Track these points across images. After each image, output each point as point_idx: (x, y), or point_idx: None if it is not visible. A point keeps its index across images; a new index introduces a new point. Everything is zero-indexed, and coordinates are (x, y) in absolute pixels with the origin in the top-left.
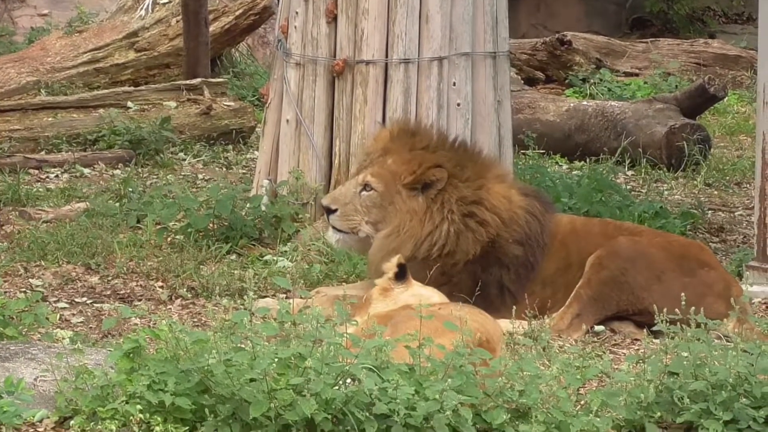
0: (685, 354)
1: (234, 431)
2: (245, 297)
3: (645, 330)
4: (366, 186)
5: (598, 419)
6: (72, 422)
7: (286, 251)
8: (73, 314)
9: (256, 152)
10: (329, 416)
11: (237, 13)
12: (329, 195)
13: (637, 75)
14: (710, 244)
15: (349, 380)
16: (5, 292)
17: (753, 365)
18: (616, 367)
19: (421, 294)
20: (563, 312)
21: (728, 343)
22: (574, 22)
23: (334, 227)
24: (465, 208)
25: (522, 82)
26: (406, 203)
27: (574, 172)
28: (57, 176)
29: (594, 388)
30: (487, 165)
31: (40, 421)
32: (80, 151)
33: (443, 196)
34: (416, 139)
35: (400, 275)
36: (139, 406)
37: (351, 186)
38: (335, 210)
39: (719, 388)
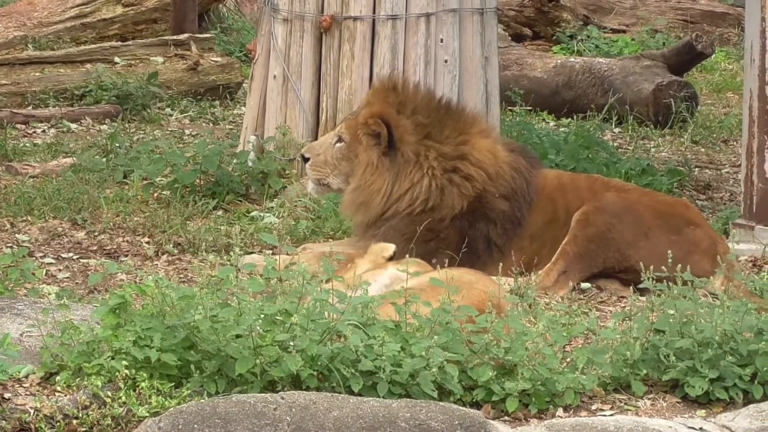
0: (672, 312)
1: (219, 387)
2: (231, 253)
3: (631, 287)
4: (339, 138)
5: (584, 376)
6: (57, 378)
7: (272, 207)
8: (60, 270)
9: (243, 108)
10: (315, 373)
11: None
12: (309, 144)
13: (624, 32)
14: (697, 201)
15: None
16: None
17: (739, 323)
18: (602, 324)
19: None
20: (549, 269)
21: (715, 301)
22: None
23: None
24: (447, 164)
25: (509, 38)
26: (367, 155)
27: (561, 129)
28: (44, 131)
29: (580, 346)
30: (470, 121)
31: (26, 377)
32: (67, 106)
33: (420, 152)
34: (394, 94)
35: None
36: (124, 362)
37: (328, 137)
38: (308, 159)
39: (705, 346)
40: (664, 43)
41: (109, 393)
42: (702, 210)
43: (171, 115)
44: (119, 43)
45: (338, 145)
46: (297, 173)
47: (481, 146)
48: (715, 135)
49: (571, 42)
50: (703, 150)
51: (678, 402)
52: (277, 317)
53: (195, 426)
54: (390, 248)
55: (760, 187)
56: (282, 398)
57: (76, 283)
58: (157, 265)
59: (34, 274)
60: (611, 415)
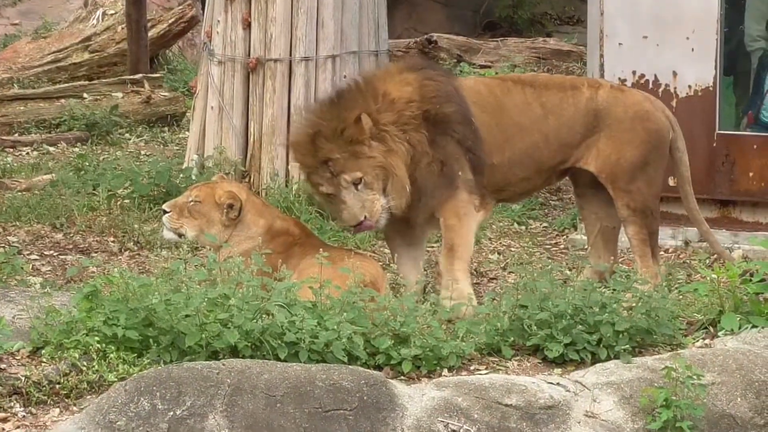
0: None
1: (173, 357)
2: (180, 249)
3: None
4: None
5: (464, 343)
6: (43, 351)
7: None
8: (43, 264)
9: (187, 132)
10: (249, 344)
11: (170, 21)
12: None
13: (489, 67)
14: (550, 201)
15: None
16: None
17: (587, 299)
18: (478, 301)
19: None
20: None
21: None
22: (438, 25)
23: None
24: (401, 133)
25: None
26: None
27: None
28: (28, 153)
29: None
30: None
31: (18, 351)
32: (46, 133)
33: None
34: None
35: None
36: (96, 338)
37: None
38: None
39: (560, 318)
40: None
41: (85, 363)
42: (554, 209)
43: (129, 140)
44: (87, 82)
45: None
46: None
47: (390, 90)
48: None
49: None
50: None
51: (539, 363)
52: (219, 300)
53: (154, 388)
54: None
55: None
56: (223, 365)
57: (57, 275)
58: (121, 259)
59: (22, 268)
60: (486, 374)
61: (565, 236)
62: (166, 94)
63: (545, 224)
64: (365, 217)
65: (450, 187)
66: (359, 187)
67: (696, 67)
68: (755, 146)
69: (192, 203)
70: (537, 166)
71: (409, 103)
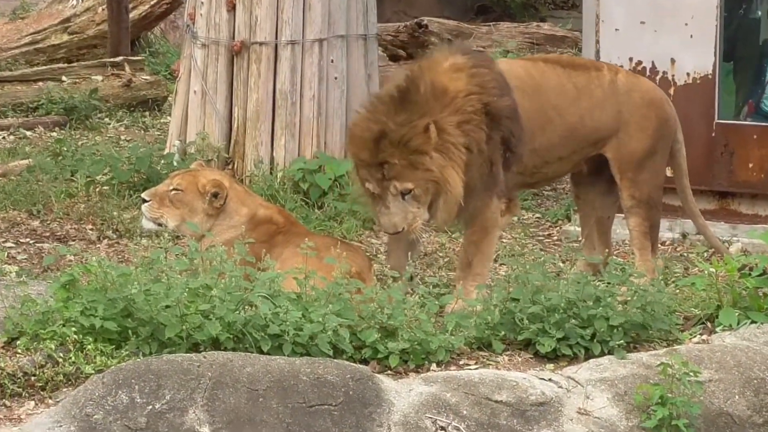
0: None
1: (153, 349)
2: (161, 238)
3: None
4: None
5: (453, 337)
6: (18, 342)
7: None
8: (19, 252)
9: (168, 117)
10: (231, 336)
11: (152, 2)
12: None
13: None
14: (543, 192)
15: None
16: None
17: (580, 292)
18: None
19: None
20: None
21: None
22: (429, 8)
23: None
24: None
25: (387, 58)
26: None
27: None
28: (4, 138)
29: (450, 312)
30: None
31: None
32: (23, 117)
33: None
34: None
35: None
36: (73, 329)
37: None
38: None
39: (553, 311)
40: None
41: (61, 354)
42: (546, 199)
43: (109, 124)
44: (66, 64)
45: None
46: None
47: (444, 82)
48: None
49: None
50: None
51: (531, 358)
52: (200, 290)
53: (132, 381)
54: None
55: None
56: (204, 357)
57: (33, 263)
58: (99, 248)
59: None
60: (476, 368)
61: (558, 227)
62: (147, 77)
63: (538, 215)
64: (403, 228)
65: (490, 192)
66: (407, 197)
67: (695, 54)
68: (755, 136)
69: (173, 192)
70: (573, 148)
71: (468, 97)
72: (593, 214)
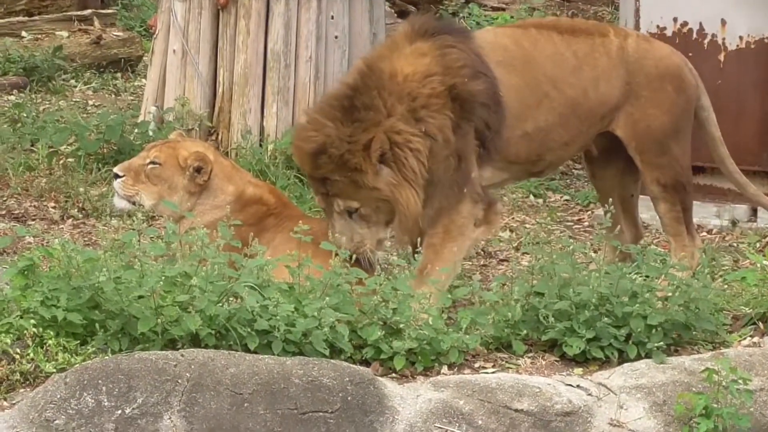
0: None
1: (123, 345)
2: (134, 218)
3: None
4: None
5: (468, 336)
6: None
7: None
8: None
9: (144, 80)
10: (213, 332)
11: None
12: None
13: (503, 9)
14: (573, 170)
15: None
16: None
17: (614, 286)
18: (485, 287)
19: None
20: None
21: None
22: None
23: None
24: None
25: (395, 15)
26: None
27: None
28: None
29: (464, 307)
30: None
31: None
32: None
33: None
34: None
35: None
36: (32, 321)
37: None
38: None
39: (582, 308)
40: None
41: (18, 350)
42: (578, 179)
43: (75, 87)
44: (26, 18)
45: None
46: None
47: (401, 67)
48: None
49: (454, 19)
50: None
51: (556, 360)
52: (178, 279)
53: (99, 381)
54: None
55: None
56: (182, 355)
57: None
58: (62, 228)
59: None
60: (493, 372)
61: (590, 211)
62: (119, 34)
63: (566, 197)
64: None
65: (458, 191)
66: (354, 215)
67: (749, 15)
68: None
69: (150, 166)
70: (578, 127)
71: (427, 79)
72: (613, 192)
